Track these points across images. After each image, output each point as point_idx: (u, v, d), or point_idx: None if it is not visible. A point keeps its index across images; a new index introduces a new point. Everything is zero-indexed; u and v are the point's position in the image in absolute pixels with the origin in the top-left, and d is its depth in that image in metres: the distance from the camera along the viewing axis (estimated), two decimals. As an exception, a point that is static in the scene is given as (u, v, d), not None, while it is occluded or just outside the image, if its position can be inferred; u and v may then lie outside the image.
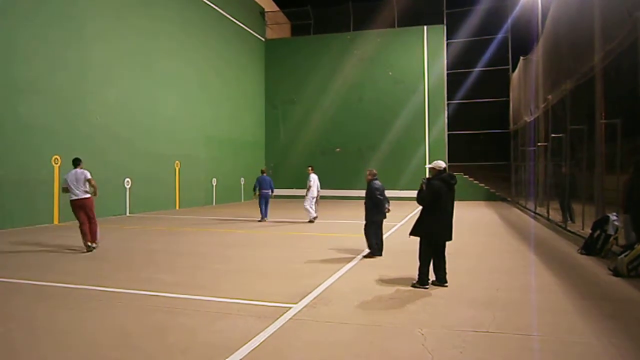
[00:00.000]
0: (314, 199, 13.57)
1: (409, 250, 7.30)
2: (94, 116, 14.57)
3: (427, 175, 6.23)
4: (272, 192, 14.31)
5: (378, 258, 7.82)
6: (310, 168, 14.10)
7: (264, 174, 14.40)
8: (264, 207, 14.14)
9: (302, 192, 26.47)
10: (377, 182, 7.95)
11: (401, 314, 4.79)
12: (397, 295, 5.50)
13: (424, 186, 5.90)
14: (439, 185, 5.84)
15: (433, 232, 5.89)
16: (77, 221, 8.60)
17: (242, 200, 23.98)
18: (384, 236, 10.47)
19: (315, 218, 13.56)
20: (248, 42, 25.62)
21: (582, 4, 10.40)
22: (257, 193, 14.16)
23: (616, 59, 8.80)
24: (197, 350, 3.80)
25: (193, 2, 20.37)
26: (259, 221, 13.92)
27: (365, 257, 7.88)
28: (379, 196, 7.80)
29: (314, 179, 13.66)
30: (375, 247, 7.92)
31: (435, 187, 5.84)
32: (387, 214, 8.09)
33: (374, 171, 8.18)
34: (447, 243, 6.07)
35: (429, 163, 6.35)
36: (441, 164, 6.09)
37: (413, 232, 6.04)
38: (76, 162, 8.73)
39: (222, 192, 22.15)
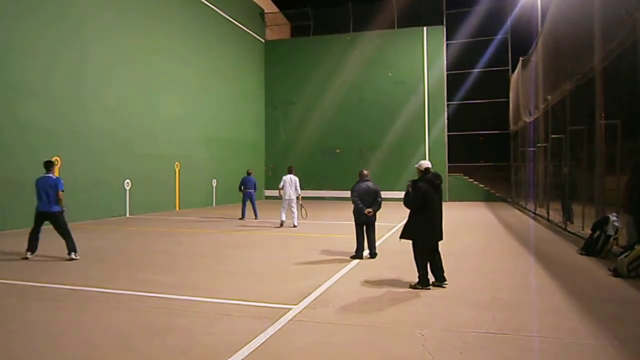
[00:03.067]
0: (289, 202, 12.61)
1: (409, 251, 7.28)
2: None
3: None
4: (256, 190, 15.27)
5: (378, 259, 7.80)
6: (288, 169, 13.13)
7: (250, 175, 15.28)
8: (246, 207, 15.01)
9: (301, 193, 26.64)
10: (361, 184, 7.82)
11: (401, 315, 4.78)
12: (397, 296, 5.49)
13: (410, 189, 5.87)
14: (425, 187, 5.81)
15: (424, 234, 5.87)
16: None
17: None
18: (384, 237, 10.47)
19: (282, 223, 12.65)
20: (248, 43, 25.63)
21: (581, 5, 10.40)
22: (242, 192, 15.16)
23: (616, 59, 8.80)
24: (197, 351, 3.79)
25: (193, 3, 20.38)
26: (240, 219, 14.76)
27: (351, 257, 7.87)
28: (353, 198, 7.74)
29: (284, 180, 12.61)
30: (359, 249, 7.88)
31: (421, 189, 5.80)
32: (375, 216, 7.83)
33: (364, 172, 8.05)
34: (445, 243, 6.05)
35: (418, 164, 6.22)
36: (425, 164, 6.04)
37: (403, 236, 6.01)
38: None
39: (222, 194, 22.12)
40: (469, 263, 7.57)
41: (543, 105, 15.02)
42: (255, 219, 14.72)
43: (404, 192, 6.06)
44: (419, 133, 25.11)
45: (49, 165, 8.12)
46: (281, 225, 12.68)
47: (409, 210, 6.02)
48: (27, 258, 7.92)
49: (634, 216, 7.51)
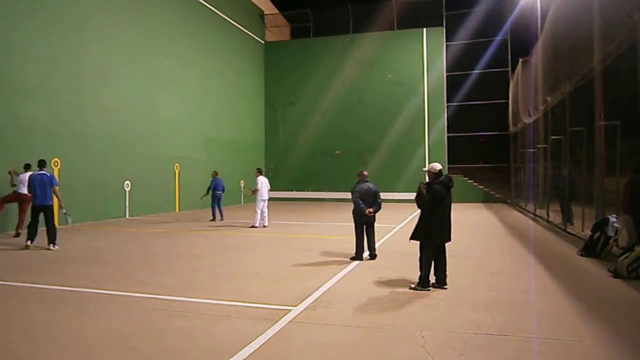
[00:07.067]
0: (264, 202, 12.86)
1: (409, 252, 7.29)
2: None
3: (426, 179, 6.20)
4: (224, 191, 15.27)
5: (378, 260, 7.80)
6: (257, 171, 13.43)
7: (217, 176, 15.29)
8: (216, 208, 15.02)
9: (301, 194, 26.75)
10: (362, 185, 7.83)
11: (401, 316, 4.78)
12: (397, 297, 5.48)
13: (423, 191, 5.87)
14: (441, 190, 5.84)
15: (433, 235, 5.89)
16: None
17: (242, 203, 23.96)
18: (384, 239, 10.47)
19: (254, 227, 12.82)
20: (248, 44, 25.65)
21: (581, 6, 10.42)
22: (211, 194, 15.16)
23: (615, 60, 8.80)
24: (196, 353, 3.78)
25: (193, 5, 20.40)
26: (211, 220, 14.77)
27: (351, 259, 7.86)
28: (355, 198, 7.75)
29: (261, 182, 12.82)
30: (359, 250, 7.87)
31: (437, 191, 5.83)
32: (374, 217, 7.83)
33: (364, 173, 8.06)
34: (447, 244, 6.07)
35: (427, 166, 6.28)
36: (437, 166, 6.08)
37: (413, 237, 6.03)
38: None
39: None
40: (469, 264, 7.57)
41: (543, 107, 15.03)
42: (216, 220, 14.87)
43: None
44: (419, 134, 25.12)
45: (43, 164, 9.20)
46: (252, 226, 12.88)
47: (418, 211, 6.05)
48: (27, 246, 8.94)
49: (634, 217, 7.51)
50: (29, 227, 9.06)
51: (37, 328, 4.43)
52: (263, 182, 12.82)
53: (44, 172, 8.99)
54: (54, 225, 8.98)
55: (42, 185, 8.80)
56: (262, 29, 27.56)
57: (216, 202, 15.03)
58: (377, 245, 8.36)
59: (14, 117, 12.13)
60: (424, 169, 6.22)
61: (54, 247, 8.87)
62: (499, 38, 25.21)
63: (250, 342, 3.94)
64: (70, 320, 4.68)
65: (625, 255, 6.56)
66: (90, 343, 4.02)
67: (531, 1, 17.53)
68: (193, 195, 19.86)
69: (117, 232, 11.89)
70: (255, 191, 12.86)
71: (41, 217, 8.98)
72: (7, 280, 6.39)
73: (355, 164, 24.28)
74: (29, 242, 8.95)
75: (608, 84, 9.46)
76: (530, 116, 17.56)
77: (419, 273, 5.88)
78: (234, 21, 23.87)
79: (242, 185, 23.86)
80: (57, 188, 8.99)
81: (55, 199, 9.16)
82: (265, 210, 12.98)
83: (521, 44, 22.33)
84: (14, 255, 8.40)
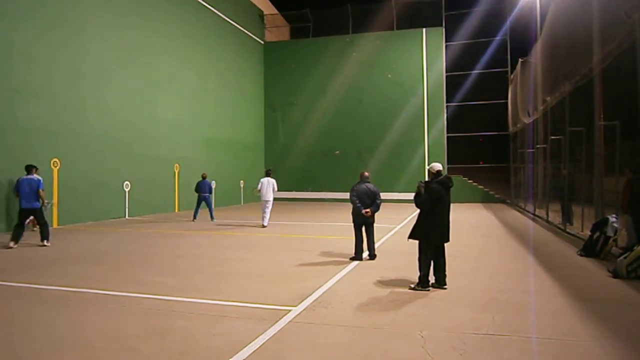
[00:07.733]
0: (265, 203, 12.96)
1: (408, 252, 7.30)
2: None
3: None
4: (211, 193, 15.35)
5: (377, 260, 7.80)
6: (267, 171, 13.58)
7: (205, 179, 15.23)
8: (198, 208, 15.15)
9: (301, 194, 26.78)
10: (360, 185, 7.85)
11: (401, 316, 4.79)
12: (396, 297, 5.49)
13: (422, 190, 5.89)
14: (439, 189, 5.85)
15: (431, 235, 5.90)
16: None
17: (242, 203, 23.97)
18: (383, 239, 10.48)
19: (263, 226, 13.01)
20: (247, 44, 25.65)
21: (580, 6, 10.43)
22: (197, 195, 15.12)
23: (615, 60, 8.81)
24: (197, 353, 3.79)
25: (192, 5, 20.40)
26: (192, 221, 14.79)
27: (350, 259, 7.86)
28: (352, 197, 7.79)
29: (261, 182, 12.91)
30: (358, 250, 7.87)
31: (435, 191, 5.85)
32: (373, 217, 7.86)
33: (365, 174, 8.07)
34: (446, 245, 6.08)
35: (429, 165, 6.31)
36: (437, 166, 6.11)
37: (412, 236, 6.04)
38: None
39: (222, 195, 22.10)
40: (468, 264, 7.58)
41: (542, 107, 15.04)
42: (212, 220, 14.93)
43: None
44: (418, 134, 25.13)
45: (30, 169, 9.44)
46: (262, 226, 13.05)
47: (417, 211, 6.06)
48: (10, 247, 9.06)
49: (633, 217, 7.52)
50: (14, 228, 9.34)
51: (37, 328, 4.43)
52: (263, 183, 12.91)
53: (32, 176, 9.30)
54: (45, 223, 9.40)
55: (30, 189, 9.16)
56: (261, 29, 27.55)
57: (198, 203, 15.08)
58: (376, 245, 8.37)
59: (14, 117, 12.12)
60: (429, 167, 6.26)
61: (47, 242, 9.28)
62: (498, 38, 25.21)
63: (250, 342, 3.95)
64: (70, 320, 4.68)
65: (625, 255, 6.57)
66: (90, 343, 4.03)
67: (531, 1, 17.54)
68: (193, 195, 19.84)
69: (116, 233, 11.89)
70: (259, 192, 12.99)
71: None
72: (7, 280, 6.39)
73: (355, 164, 24.32)
74: (12, 244, 9.11)
75: (607, 84, 9.47)
76: (529, 116, 17.57)
77: (418, 273, 5.90)
78: (234, 21, 23.86)
79: (242, 185, 23.95)
80: (42, 192, 9.30)
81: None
82: (267, 210, 13.04)
83: (521, 44, 22.35)
84: (14, 256, 8.40)
